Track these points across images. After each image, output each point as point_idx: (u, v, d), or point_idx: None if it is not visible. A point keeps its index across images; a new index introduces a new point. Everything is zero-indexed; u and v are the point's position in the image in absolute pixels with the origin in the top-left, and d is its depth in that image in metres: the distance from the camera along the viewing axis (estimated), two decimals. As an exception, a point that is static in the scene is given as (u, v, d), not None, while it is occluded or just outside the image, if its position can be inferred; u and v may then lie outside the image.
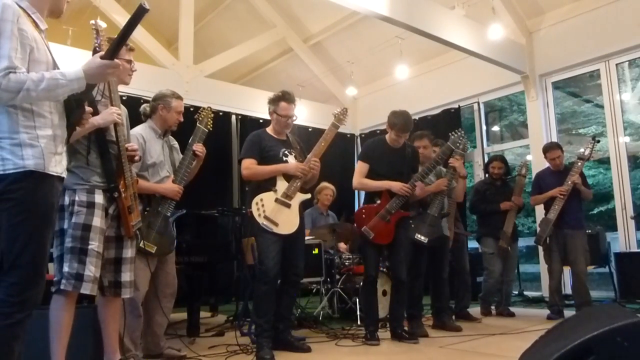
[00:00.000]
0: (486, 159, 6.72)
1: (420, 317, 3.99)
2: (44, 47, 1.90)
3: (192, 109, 3.80)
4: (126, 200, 2.45)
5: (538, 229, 4.78)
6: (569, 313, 4.45)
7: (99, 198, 2.38)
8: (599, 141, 4.60)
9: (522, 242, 6.35)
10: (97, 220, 2.34)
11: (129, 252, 2.54)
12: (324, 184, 5.57)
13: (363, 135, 8.49)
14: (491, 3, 5.93)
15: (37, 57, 1.84)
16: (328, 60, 8.19)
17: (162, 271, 3.12)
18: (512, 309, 4.92)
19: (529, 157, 6.48)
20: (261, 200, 3.27)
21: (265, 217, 3.23)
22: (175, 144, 3.35)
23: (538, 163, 5.76)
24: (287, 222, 3.28)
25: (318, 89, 8.35)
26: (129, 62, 2.61)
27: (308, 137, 6.37)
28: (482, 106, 7.08)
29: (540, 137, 6.19)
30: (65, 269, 2.26)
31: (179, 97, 3.23)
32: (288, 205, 3.30)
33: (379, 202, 3.67)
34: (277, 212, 3.26)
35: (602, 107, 6.02)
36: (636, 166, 7.09)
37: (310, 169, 3.35)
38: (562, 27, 6.12)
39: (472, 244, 5.91)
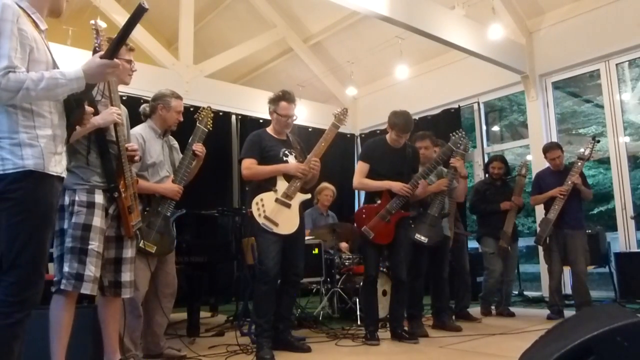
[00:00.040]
0: (486, 159, 6.72)
1: (421, 317, 3.99)
2: (44, 47, 1.90)
3: (192, 109, 3.79)
4: (126, 200, 2.45)
5: (538, 229, 4.78)
6: (569, 313, 4.45)
7: (99, 198, 2.38)
8: (599, 141, 4.60)
9: (522, 242, 6.35)
10: (97, 220, 2.34)
11: (129, 252, 2.54)
12: (324, 184, 5.57)
13: (363, 135, 8.49)
14: (491, 3, 5.93)
15: (37, 57, 1.84)
16: (328, 60, 8.19)
17: (162, 271, 3.12)
18: (512, 309, 4.92)
19: (529, 157, 6.48)
20: (261, 200, 3.27)
21: (266, 217, 3.23)
22: (175, 143, 3.35)
23: (538, 163, 5.76)
24: (287, 222, 3.28)
25: (318, 89, 8.35)
26: (129, 62, 2.61)
27: (308, 137, 6.37)
28: (482, 106, 7.08)
29: (540, 137, 6.19)
30: (66, 269, 2.26)
31: (179, 97, 3.23)
32: (288, 206, 3.30)
33: (379, 202, 3.67)
34: (277, 212, 3.26)
35: (602, 107, 6.02)
36: (636, 166, 7.09)
37: (310, 169, 3.35)
38: (562, 27, 6.12)
39: (472, 244, 5.91)
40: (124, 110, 2.61)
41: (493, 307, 4.96)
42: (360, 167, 3.77)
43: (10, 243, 1.75)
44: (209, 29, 8.42)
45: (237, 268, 4.89)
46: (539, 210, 5.54)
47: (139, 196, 2.65)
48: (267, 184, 3.33)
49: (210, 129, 3.28)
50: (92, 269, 2.28)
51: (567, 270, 4.96)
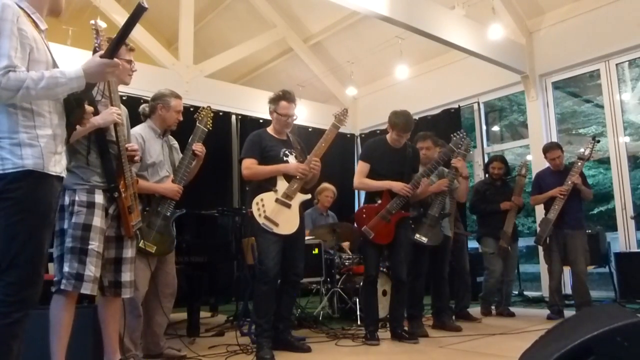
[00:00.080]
0: (486, 159, 6.72)
1: (421, 317, 3.99)
2: (44, 47, 1.90)
3: (192, 109, 3.79)
4: (126, 200, 2.45)
5: (538, 229, 4.78)
6: (569, 313, 4.45)
7: (99, 198, 2.38)
8: (599, 141, 4.60)
9: (522, 242, 6.35)
10: (97, 220, 2.34)
11: (129, 252, 2.54)
12: (325, 184, 5.57)
13: (363, 135, 8.49)
14: (491, 3, 5.93)
15: (37, 57, 1.84)
16: (328, 60, 8.19)
17: (162, 271, 3.12)
18: (512, 309, 4.92)
19: (529, 157, 6.48)
20: (261, 200, 3.27)
21: (266, 217, 3.23)
22: (175, 143, 3.35)
23: (538, 163, 5.76)
24: (287, 222, 3.28)
25: (318, 89, 8.35)
26: (129, 62, 2.61)
27: (308, 137, 6.36)
28: (482, 106, 7.08)
29: (540, 137, 6.19)
30: (66, 269, 2.26)
31: (178, 97, 3.23)
32: (288, 206, 3.30)
33: (379, 202, 3.66)
34: (277, 212, 3.26)
35: (602, 107, 6.02)
36: (636, 166, 7.08)
37: (310, 169, 3.35)
38: (562, 27, 6.12)
39: (472, 244, 5.91)
40: (124, 110, 2.61)
41: (493, 307, 4.96)
42: (361, 167, 3.77)
43: (9, 243, 1.75)
44: (209, 29, 8.42)
45: (237, 268, 4.89)
46: (539, 210, 5.54)
47: (138, 196, 2.65)
48: (268, 184, 3.32)
49: (210, 128, 3.28)
50: (92, 269, 2.28)
51: (567, 270, 4.96)
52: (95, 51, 2.21)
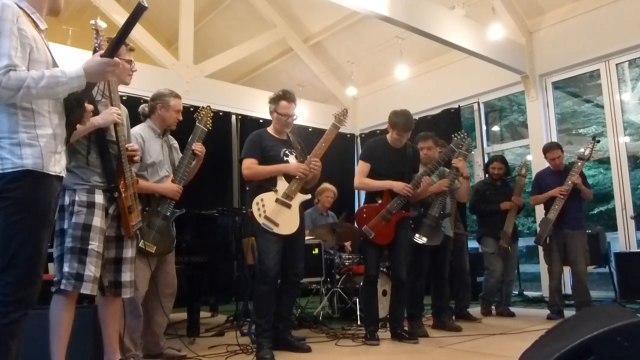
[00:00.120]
0: (486, 159, 6.72)
1: (421, 317, 3.99)
2: (44, 47, 1.90)
3: (192, 109, 3.79)
4: (126, 200, 2.45)
5: (538, 229, 4.78)
6: (569, 313, 4.45)
7: (99, 198, 2.37)
8: (599, 141, 4.60)
9: (522, 242, 6.35)
10: (97, 220, 2.34)
11: (129, 252, 2.54)
12: (326, 185, 5.56)
13: (363, 135, 8.49)
14: (491, 3, 5.93)
15: (37, 57, 1.85)
16: (328, 60, 8.19)
17: (162, 271, 3.12)
18: (512, 309, 4.92)
19: (529, 157, 6.48)
20: (262, 200, 3.27)
21: (266, 217, 3.23)
22: (175, 143, 3.35)
23: (538, 163, 5.76)
24: (287, 222, 3.28)
25: (318, 89, 8.35)
26: (129, 62, 2.61)
27: (308, 137, 6.36)
28: (482, 106, 7.08)
29: (540, 137, 6.19)
30: (66, 269, 2.26)
31: (177, 96, 3.23)
32: (288, 206, 3.30)
33: (380, 201, 3.66)
34: (277, 213, 3.26)
35: (602, 107, 6.02)
36: (636, 166, 7.08)
37: (310, 169, 3.35)
38: (562, 27, 6.12)
39: (472, 244, 5.91)
40: (124, 110, 2.61)
41: (493, 307, 4.96)
42: (361, 167, 3.77)
43: (7, 242, 1.75)
44: (209, 29, 8.42)
45: (237, 268, 4.89)
46: (539, 210, 5.54)
47: (138, 196, 2.65)
48: (268, 184, 3.32)
49: (210, 128, 3.28)
50: (92, 269, 2.28)
51: (567, 270, 4.96)
52: (95, 51, 2.21)
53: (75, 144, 2.36)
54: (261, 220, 3.22)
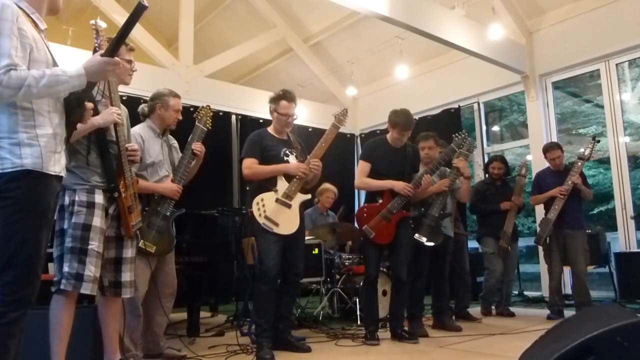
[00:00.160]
0: (486, 159, 6.72)
1: (421, 317, 3.99)
2: (44, 47, 1.90)
3: (192, 109, 3.79)
4: (126, 200, 2.45)
5: (538, 229, 4.78)
6: (569, 313, 4.45)
7: (99, 198, 2.37)
8: (599, 141, 4.60)
9: (522, 242, 6.35)
10: (97, 220, 2.34)
11: (129, 252, 2.54)
12: (326, 185, 5.56)
13: (363, 135, 8.49)
14: (491, 3, 5.93)
15: (37, 57, 1.85)
16: (328, 60, 8.19)
17: (162, 271, 3.12)
18: (512, 309, 4.92)
19: (529, 157, 6.48)
20: (262, 200, 3.27)
21: (266, 217, 3.23)
22: (175, 143, 3.35)
23: (538, 163, 5.76)
24: (287, 222, 3.28)
25: (318, 89, 8.35)
26: (129, 62, 2.61)
27: (308, 137, 6.36)
28: (482, 106, 7.08)
29: (540, 137, 6.19)
30: (65, 269, 2.25)
31: (177, 96, 3.23)
32: (289, 206, 3.30)
33: (380, 201, 3.66)
34: (277, 212, 3.26)
35: (602, 107, 6.02)
36: (636, 166, 7.08)
37: (310, 169, 3.35)
38: (562, 27, 6.12)
39: (472, 244, 5.91)
40: (124, 110, 2.61)
41: (493, 307, 4.96)
42: (362, 167, 3.77)
43: (6, 242, 1.75)
44: (209, 29, 8.42)
45: (237, 268, 4.89)
46: (539, 210, 5.54)
47: (138, 196, 2.65)
48: (268, 184, 3.32)
49: (210, 127, 3.28)
50: (91, 269, 2.28)
51: (567, 270, 4.95)
52: (95, 51, 2.21)
53: (75, 144, 2.36)
54: (261, 220, 3.22)
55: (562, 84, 6.61)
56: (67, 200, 2.33)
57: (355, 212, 4.05)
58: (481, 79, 6.76)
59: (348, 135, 8.49)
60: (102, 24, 2.38)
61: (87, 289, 2.26)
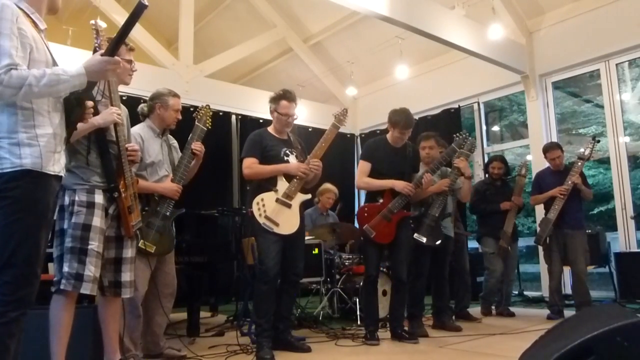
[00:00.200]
0: (486, 159, 6.72)
1: (421, 317, 3.98)
2: (44, 47, 1.90)
3: (192, 109, 3.79)
4: (126, 200, 2.45)
5: (538, 229, 4.78)
6: (569, 313, 4.45)
7: (99, 198, 2.37)
8: (599, 141, 4.60)
9: (522, 242, 6.35)
10: (97, 220, 2.34)
11: (129, 252, 2.54)
12: (327, 185, 5.55)
13: (363, 135, 8.49)
14: (491, 3, 5.93)
15: (37, 57, 1.85)
16: (328, 60, 8.19)
17: (161, 271, 3.12)
18: (512, 309, 4.92)
19: (529, 157, 6.48)
20: (262, 200, 3.27)
21: (266, 217, 3.23)
22: (174, 142, 3.35)
23: (538, 163, 5.76)
24: (287, 222, 3.28)
25: (318, 89, 8.35)
26: (129, 62, 2.61)
27: (308, 137, 6.36)
28: (482, 106, 7.08)
29: (540, 137, 6.19)
30: (65, 268, 2.25)
31: (176, 95, 3.23)
32: (289, 206, 3.30)
33: (381, 201, 3.66)
34: (277, 212, 3.26)
35: (602, 107, 6.02)
36: (636, 166, 7.08)
37: (310, 169, 3.35)
38: (562, 27, 6.12)
39: (472, 244, 5.91)
40: (124, 110, 2.61)
41: (493, 307, 4.96)
42: (362, 167, 3.77)
43: (5, 242, 1.75)
44: (209, 29, 8.41)
45: (237, 268, 4.89)
46: (539, 210, 5.54)
47: (138, 196, 2.65)
48: (268, 183, 3.32)
49: (209, 127, 3.28)
50: (91, 269, 2.28)
51: (567, 270, 4.95)
52: (95, 51, 2.22)
53: (75, 144, 2.35)
54: (261, 220, 3.22)
55: (562, 84, 6.61)
56: (67, 200, 2.33)
57: (356, 211, 4.04)
58: (481, 79, 6.76)
59: (348, 135, 8.49)
60: (102, 24, 2.37)
61: (87, 289, 2.26)
